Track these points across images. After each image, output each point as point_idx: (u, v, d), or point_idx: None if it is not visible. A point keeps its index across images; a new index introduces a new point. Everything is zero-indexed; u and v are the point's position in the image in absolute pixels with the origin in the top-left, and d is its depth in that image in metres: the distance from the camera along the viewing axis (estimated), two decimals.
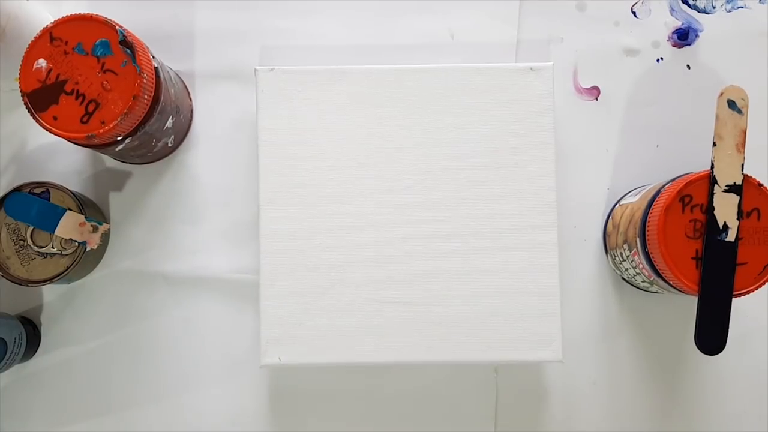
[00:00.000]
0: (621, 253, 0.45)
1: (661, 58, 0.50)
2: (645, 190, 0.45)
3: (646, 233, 0.40)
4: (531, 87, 0.45)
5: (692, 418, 0.48)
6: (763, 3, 0.50)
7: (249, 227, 0.49)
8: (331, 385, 0.48)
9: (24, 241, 0.46)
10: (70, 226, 0.45)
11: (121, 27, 0.41)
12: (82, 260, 0.46)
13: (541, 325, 0.44)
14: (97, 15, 0.41)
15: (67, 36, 0.41)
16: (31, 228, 0.46)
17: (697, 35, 0.50)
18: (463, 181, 0.45)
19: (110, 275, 0.49)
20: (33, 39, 0.41)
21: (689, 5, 0.50)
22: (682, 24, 0.50)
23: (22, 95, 0.41)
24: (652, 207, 0.41)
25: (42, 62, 0.41)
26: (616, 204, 0.49)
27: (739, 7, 0.50)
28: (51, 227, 0.45)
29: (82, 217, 0.45)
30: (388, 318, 0.44)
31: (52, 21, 0.41)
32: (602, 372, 0.48)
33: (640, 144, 0.49)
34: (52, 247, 0.46)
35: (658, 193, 0.41)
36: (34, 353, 0.49)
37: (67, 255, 0.46)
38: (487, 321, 0.44)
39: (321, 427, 0.49)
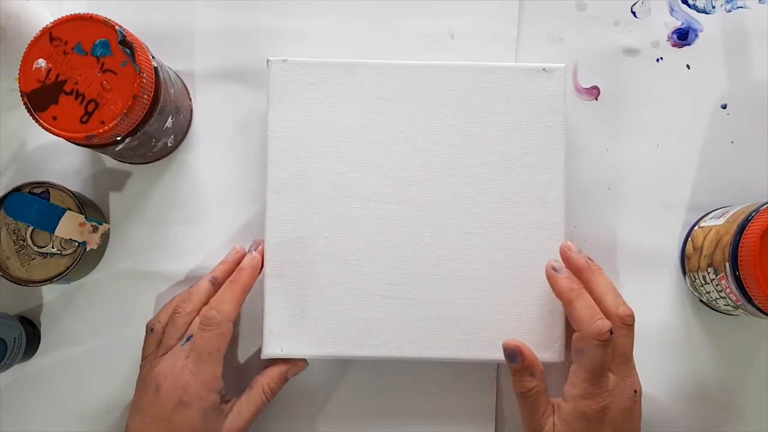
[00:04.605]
0: (704, 276, 0.44)
1: (661, 58, 0.50)
2: (729, 213, 0.43)
3: (739, 258, 0.39)
4: (543, 88, 0.45)
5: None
6: (763, 3, 0.50)
7: (249, 227, 0.49)
8: (332, 382, 0.48)
9: (24, 241, 0.46)
10: (70, 226, 0.45)
11: (120, 27, 0.41)
12: (82, 260, 0.46)
13: (544, 326, 0.44)
14: (96, 15, 0.41)
15: (67, 36, 0.41)
16: (31, 228, 0.46)
17: (696, 35, 0.50)
18: (472, 180, 0.45)
19: (110, 275, 0.49)
20: (33, 39, 0.41)
21: (689, 5, 0.50)
22: (682, 24, 0.50)
23: (21, 95, 0.40)
24: (745, 231, 0.39)
25: (42, 62, 0.41)
26: (695, 225, 0.47)
27: (739, 7, 0.50)
28: (51, 227, 0.45)
29: (82, 217, 0.45)
30: (391, 313, 0.44)
31: (52, 21, 0.41)
32: None
33: (640, 144, 0.49)
34: (52, 247, 0.46)
35: (749, 217, 0.40)
36: (34, 353, 0.49)
37: (67, 255, 0.46)
38: (491, 320, 0.44)
39: (321, 426, 0.48)
